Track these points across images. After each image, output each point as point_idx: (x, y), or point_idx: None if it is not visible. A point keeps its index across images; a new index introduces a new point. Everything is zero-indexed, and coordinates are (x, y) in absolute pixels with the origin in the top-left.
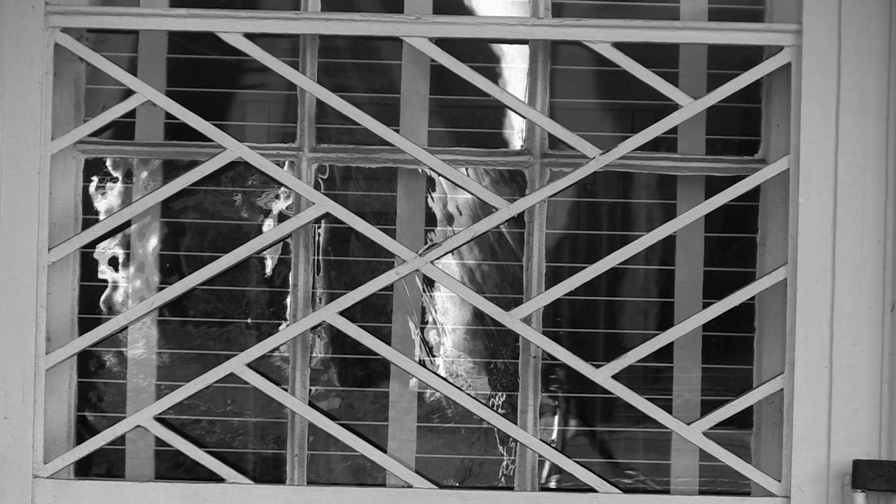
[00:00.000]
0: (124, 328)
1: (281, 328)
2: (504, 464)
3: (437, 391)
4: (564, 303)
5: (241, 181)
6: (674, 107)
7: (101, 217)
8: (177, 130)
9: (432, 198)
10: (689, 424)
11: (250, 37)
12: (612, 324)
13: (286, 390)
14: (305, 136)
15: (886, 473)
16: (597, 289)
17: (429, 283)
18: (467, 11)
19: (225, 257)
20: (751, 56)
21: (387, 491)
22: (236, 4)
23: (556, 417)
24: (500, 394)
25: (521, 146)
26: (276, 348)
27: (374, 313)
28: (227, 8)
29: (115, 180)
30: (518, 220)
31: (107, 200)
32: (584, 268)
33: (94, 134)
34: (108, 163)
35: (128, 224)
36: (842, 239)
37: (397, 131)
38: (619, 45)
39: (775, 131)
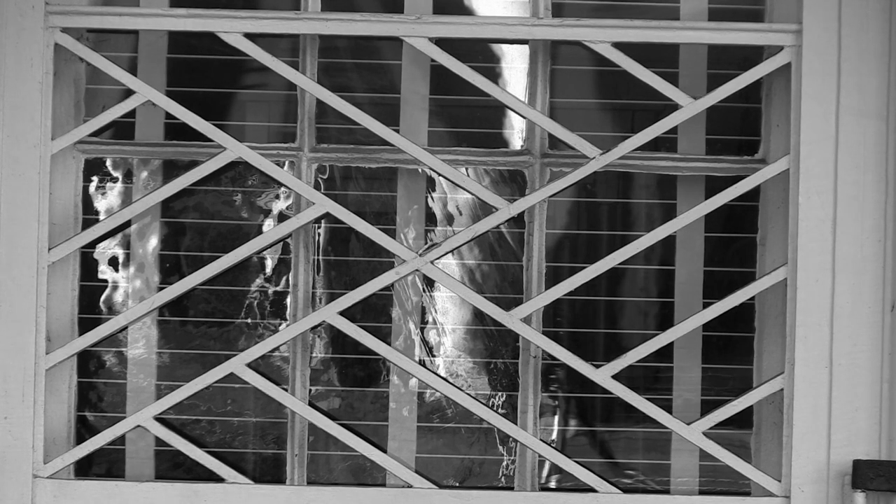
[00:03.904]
0: (124, 328)
1: (281, 328)
2: (504, 464)
3: (437, 391)
4: (564, 303)
5: (241, 181)
6: (674, 107)
7: (101, 217)
8: (177, 130)
9: (432, 198)
10: (689, 424)
11: (250, 37)
12: (612, 324)
13: (286, 390)
14: (305, 136)
15: (886, 473)
16: (597, 289)
17: (429, 283)
18: (467, 11)
19: (225, 257)
20: (751, 56)
21: (387, 491)
22: (236, 4)
23: (556, 417)
24: (500, 394)
25: (521, 146)
26: (276, 348)
27: (374, 313)
28: (227, 8)
29: (115, 180)
30: (518, 220)
31: (107, 200)
32: (584, 268)
33: (94, 134)
34: (108, 163)
35: (128, 224)
36: (842, 239)
37: (397, 131)
38: (619, 45)
39: (775, 131)
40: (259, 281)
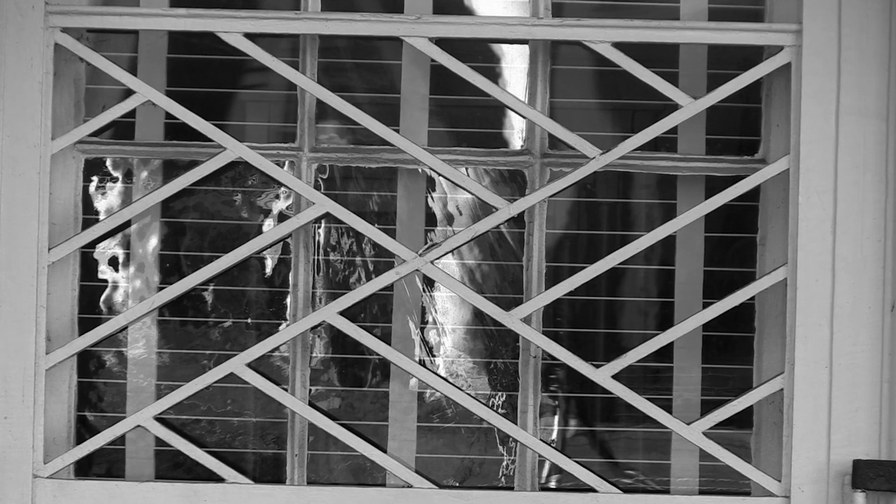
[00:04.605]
0: (124, 328)
1: (281, 328)
2: (504, 464)
3: (437, 391)
4: (564, 303)
5: (241, 181)
6: (674, 107)
7: (101, 217)
8: (177, 130)
9: (432, 198)
10: (689, 424)
11: (250, 37)
12: (612, 324)
13: (286, 390)
14: (305, 136)
15: (886, 473)
16: (597, 289)
17: (429, 283)
18: (467, 11)
19: (225, 257)
20: (751, 56)
21: (387, 491)
22: (236, 4)
23: (556, 417)
24: (500, 394)
25: (521, 146)
26: (276, 348)
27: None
28: (227, 8)
29: (115, 180)
30: (518, 220)
31: (107, 200)
32: (584, 268)
33: (94, 134)
34: (108, 163)
35: (128, 224)
36: (842, 239)
37: (397, 131)
38: (619, 45)
39: (775, 131)
40: (259, 281)
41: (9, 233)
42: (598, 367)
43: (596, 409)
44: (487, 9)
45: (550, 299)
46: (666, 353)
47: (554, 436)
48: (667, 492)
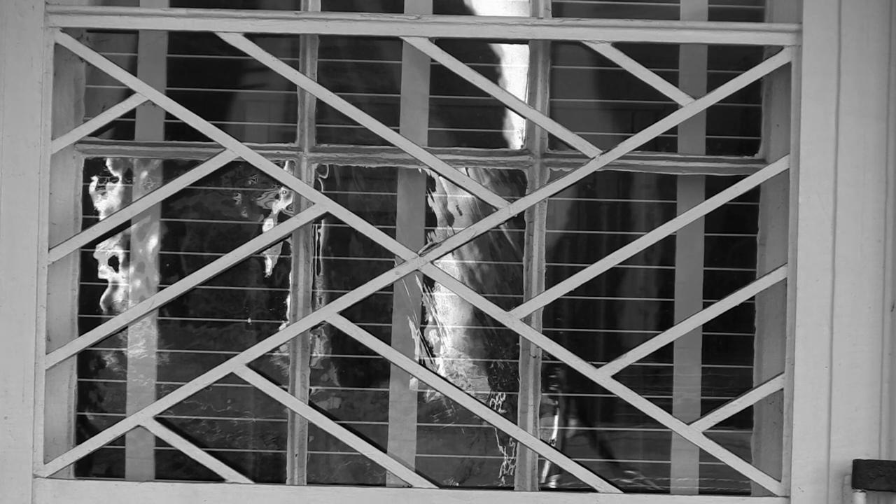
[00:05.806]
0: (124, 328)
1: (281, 328)
2: (504, 464)
3: (437, 391)
4: (564, 303)
5: (241, 181)
6: (674, 107)
7: (101, 217)
8: (177, 130)
9: (432, 198)
10: (689, 424)
11: (250, 37)
12: (612, 324)
13: (286, 390)
14: (305, 136)
15: (886, 473)
16: (597, 289)
17: (429, 283)
18: (467, 11)
19: (225, 257)
20: (751, 56)
21: (387, 491)
22: (236, 4)
23: (556, 417)
24: (500, 394)
25: (521, 146)
26: (276, 348)
27: (374, 313)
28: (227, 8)
29: (115, 180)
30: (518, 220)
31: (107, 200)
32: (584, 268)
33: (94, 134)
34: (108, 163)
35: (128, 224)
36: (842, 239)
37: (397, 131)
38: (619, 45)
39: (775, 131)
40: (259, 281)
41: (9, 233)
42: (598, 367)
43: (596, 409)
44: (487, 9)
45: (550, 299)
46: (666, 353)
47: (554, 436)
48: (667, 492)
